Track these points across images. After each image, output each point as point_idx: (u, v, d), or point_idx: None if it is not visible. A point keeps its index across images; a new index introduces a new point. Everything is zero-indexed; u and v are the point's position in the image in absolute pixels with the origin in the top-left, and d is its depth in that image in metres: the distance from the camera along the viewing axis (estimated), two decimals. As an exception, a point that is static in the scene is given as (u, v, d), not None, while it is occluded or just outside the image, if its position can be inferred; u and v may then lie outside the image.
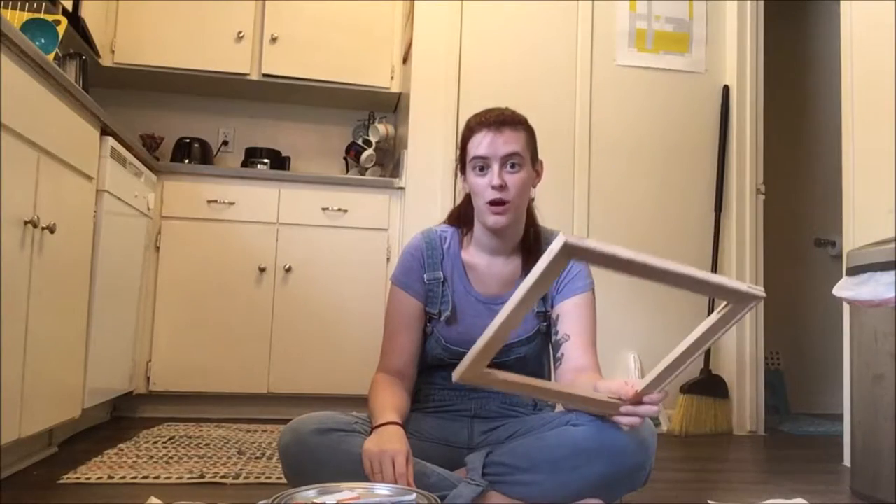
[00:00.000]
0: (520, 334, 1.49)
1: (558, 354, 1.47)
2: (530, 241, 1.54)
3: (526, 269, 1.52)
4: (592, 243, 0.91)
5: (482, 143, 1.45)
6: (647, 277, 0.97)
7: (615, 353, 3.06)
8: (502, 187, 1.43)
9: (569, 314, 1.47)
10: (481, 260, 1.53)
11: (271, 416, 2.90)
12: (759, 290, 0.96)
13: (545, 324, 1.52)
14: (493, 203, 1.43)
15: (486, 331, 1.05)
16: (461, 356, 1.47)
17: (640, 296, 3.13)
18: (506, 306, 1.00)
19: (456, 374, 1.11)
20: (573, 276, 1.50)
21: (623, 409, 1.20)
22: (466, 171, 1.51)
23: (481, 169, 1.46)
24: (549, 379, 1.58)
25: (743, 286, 0.97)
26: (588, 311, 1.48)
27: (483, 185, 1.45)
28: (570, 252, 0.92)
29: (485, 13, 3.17)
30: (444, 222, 1.62)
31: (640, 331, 3.11)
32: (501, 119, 1.46)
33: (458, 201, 1.64)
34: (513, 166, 1.45)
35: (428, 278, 1.52)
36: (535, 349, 1.53)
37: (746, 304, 0.97)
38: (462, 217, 1.57)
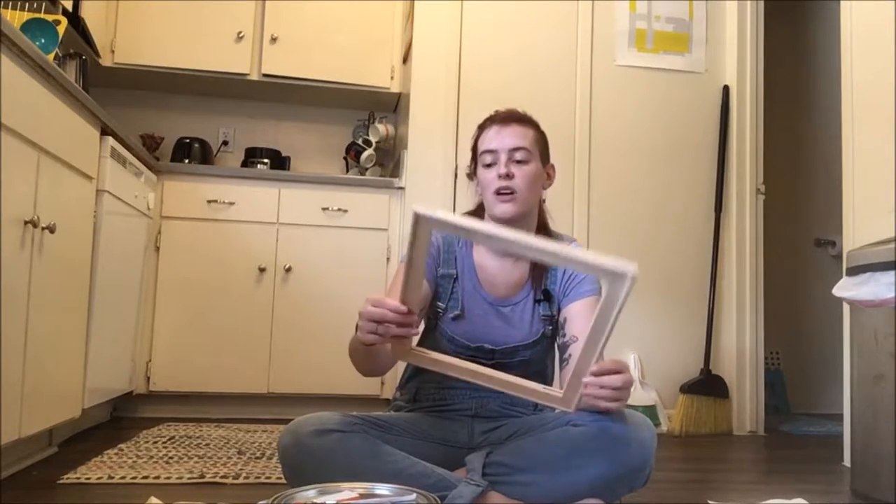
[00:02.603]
0: (525, 338, 1.50)
1: (565, 356, 1.47)
2: None
3: (535, 272, 1.52)
4: (441, 214, 1.04)
5: (490, 137, 1.49)
6: (501, 247, 1.13)
7: (616, 353, 3.05)
8: (508, 176, 1.44)
9: (577, 316, 1.47)
10: (491, 262, 1.54)
11: (271, 416, 2.90)
12: (629, 268, 0.94)
13: (550, 327, 1.52)
14: (499, 192, 1.44)
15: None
16: (466, 348, 1.48)
17: (641, 296, 3.12)
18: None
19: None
20: (580, 279, 1.51)
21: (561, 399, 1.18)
22: (477, 168, 1.52)
23: (490, 164, 1.48)
24: (552, 382, 1.58)
25: (609, 263, 0.96)
26: None
27: (491, 178, 1.46)
28: (422, 222, 1.04)
29: (484, 13, 3.17)
30: None
31: (640, 331, 3.11)
32: (510, 115, 1.52)
33: (464, 204, 1.65)
34: (520, 160, 1.46)
35: (441, 273, 1.52)
36: (539, 353, 1.53)
37: (621, 283, 0.96)
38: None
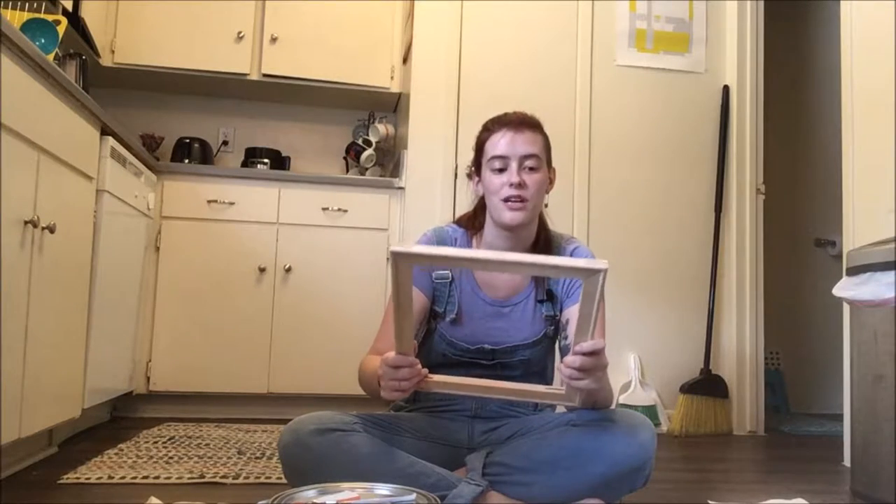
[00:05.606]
0: (525, 337, 1.49)
1: None
2: (540, 246, 1.54)
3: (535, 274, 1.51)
4: (418, 249, 1.06)
5: (501, 143, 1.46)
6: (485, 269, 1.19)
7: (616, 353, 3.05)
8: (521, 185, 1.42)
9: None
10: None
11: (271, 416, 2.90)
12: (600, 264, 1.02)
13: (552, 327, 1.52)
14: (510, 199, 1.43)
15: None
16: (466, 351, 1.48)
17: (642, 297, 3.13)
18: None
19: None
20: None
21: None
22: (482, 171, 1.50)
23: (500, 169, 1.45)
24: (553, 382, 1.58)
25: (581, 263, 1.07)
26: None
27: (500, 184, 1.44)
28: (401, 260, 1.04)
29: (485, 13, 3.17)
30: (454, 223, 1.62)
31: (640, 331, 3.11)
32: (521, 120, 1.48)
33: (464, 204, 1.63)
34: (531, 167, 1.45)
35: (437, 276, 1.52)
36: (540, 352, 1.53)
37: (594, 277, 1.04)
38: (473, 221, 1.57)
